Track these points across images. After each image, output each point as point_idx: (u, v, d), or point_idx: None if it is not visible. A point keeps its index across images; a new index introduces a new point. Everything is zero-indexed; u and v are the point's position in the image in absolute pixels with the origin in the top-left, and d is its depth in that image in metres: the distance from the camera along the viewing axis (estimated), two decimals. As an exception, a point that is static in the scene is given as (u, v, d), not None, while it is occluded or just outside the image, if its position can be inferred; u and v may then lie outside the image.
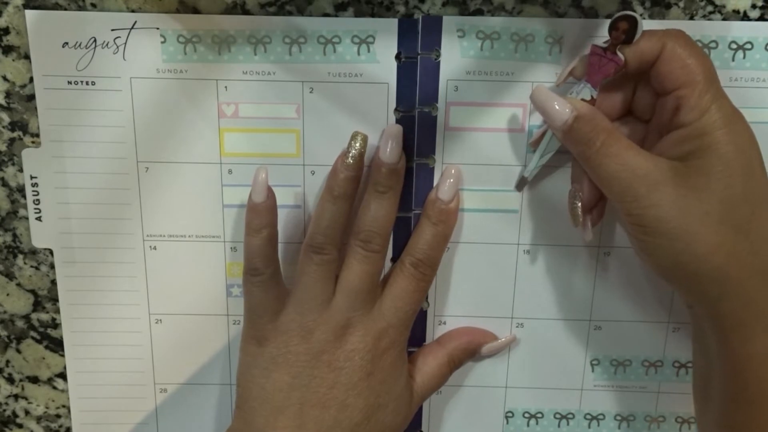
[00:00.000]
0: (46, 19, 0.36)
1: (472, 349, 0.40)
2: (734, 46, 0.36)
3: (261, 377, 0.36)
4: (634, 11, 0.36)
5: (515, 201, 0.39)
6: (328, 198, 0.36)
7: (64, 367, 0.42)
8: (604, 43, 0.33)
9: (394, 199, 0.37)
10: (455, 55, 0.37)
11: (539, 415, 0.43)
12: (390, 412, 0.37)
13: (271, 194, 0.36)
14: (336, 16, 0.36)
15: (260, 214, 0.36)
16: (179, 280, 0.40)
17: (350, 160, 0.36)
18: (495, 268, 0.40)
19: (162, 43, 0.36)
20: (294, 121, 0.38)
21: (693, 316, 0.35)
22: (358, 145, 0.36)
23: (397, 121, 0.38)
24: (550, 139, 0.36)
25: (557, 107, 0.33)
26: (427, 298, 0.40)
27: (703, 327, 0.34)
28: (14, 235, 0.40)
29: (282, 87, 0.37)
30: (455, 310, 0.41)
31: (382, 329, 0.36)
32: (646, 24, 0.36)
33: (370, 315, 0.36)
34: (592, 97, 0.34)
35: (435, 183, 0.38)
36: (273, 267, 0.36)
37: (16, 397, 0.43)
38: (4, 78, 0.38)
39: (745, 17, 0.36)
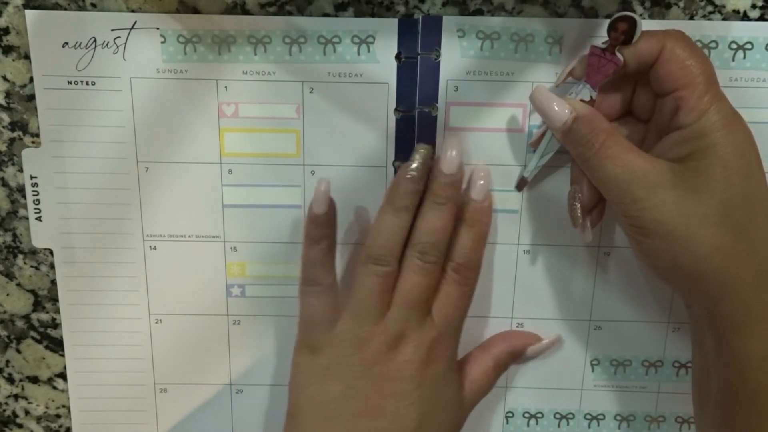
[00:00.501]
0: (46, 19, 0.36)
1: (517, 352, 0.40)
2: (734, 46, 0.36)
3: (314, 387, 0.36)
4: (634, 11, 0.36)
5: (515, 201, 0.39)
6: (389, 210, 0.35)
7: (64, 367, 0.42)
8: (603, 43, 0.33)
9: (452, 210, 0.36)
10: (455, 55, 0.37)
11: (539, 415, 0.43)
12: (441, 421, 0.37)
13: (332, 205, 0.36)
14: (336, 16, 0.36)
15: (320, 225, 0.36)
16: (179, 280, 0.40)
17: (413, 173, 0.35)
18: (495, 268, 0.40)
19: (162, 43, 0.36)
20: (294, 121, 0.38)
21: (691, 315, 0.35)
22: (421, 157, 0.35)
23: (398, 121, 0.38)
24: (550, 140, 0.36)
25: (556, 108, 0.33)
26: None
27: (702, 327, 0.34)
28: (14, 235, 0.40)
29: (282, 87, 0.37)
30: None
31: (434, 339, 0.36)
32: (646, 24, 0.36)
33: (422, 326, 0.36)
34: (591, 97, 0.34)
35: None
36: (331, 278, 0.36)
37: (16, 397, 0.44)
38: (4, 78, 0.38)
39: (745, 17, 0.36)
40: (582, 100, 0.34)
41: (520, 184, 0.38)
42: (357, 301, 0.36)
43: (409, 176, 0.35)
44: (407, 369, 0.35)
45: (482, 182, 0.37)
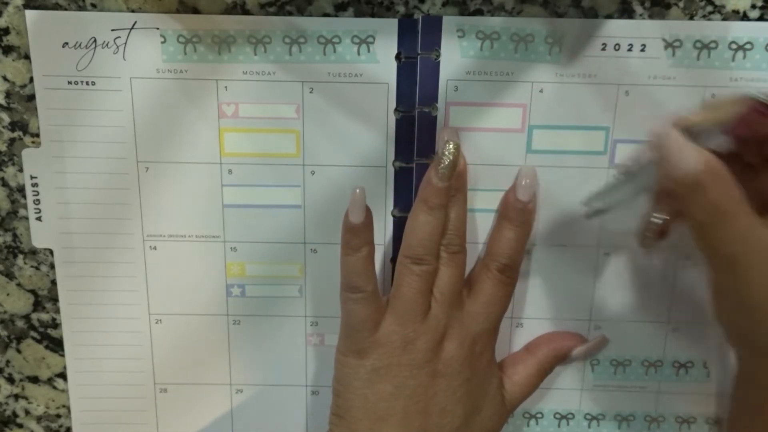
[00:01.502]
0: (46, 19, 0.36)
1: (561, 355, 0.40)
2: (734, 46, 0.36)
3: (363, 388, 0.36)
4: (633, 11, 0.36)
5: (515, 201, 0.39)
6: (423, 209, 0.36)
7: (64, 367, 0.42)
8: (766, 97, 0.29)
9: (464, 199, 0.37)
10: (455, 55, 0.37)
11: (539, 415, 0.43)
12: (485, 415, 0.37)
13: (368, 213, 0.36)
14: (336, 16, 0.36)
15: (359, 234, 0.36)
16: (179, 280, 0.40)
17: (444, 171, 0.35)
18: (495, 268, 0.40)
19: (162, 43, 0.36)
20: (294, 121, 0.38)
21: (741, 361, 0.34)
22: (450, 155, 0.35)
23: (397, 121, 0.38)
24: (648, 177, 0.32)
25: (686, 158, 0.29)
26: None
27: (749, 373, 0.34)
28: (14, 235, 0.40)
29: (282, 87, 0.37)
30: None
31: (477, 335, 0.37)
32: (646, 24, 0.36)
33: (463, 321, 0.37)
34: (724, 151, 0.30)
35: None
36: (373, 283, 0.36)
37: (16, 397, 0.44)
38: (4, 78, 0.38)
39: (745, 17, 0.36)
40: (714, 152, 0.29)
41: (594, 214, 0.36)
42: (400, 302, 0.36)
43: (439, 174, 0.35)
44: (453, 365, 0.36)
45: (528, 181, 0.37)
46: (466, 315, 0.37)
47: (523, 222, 0.37)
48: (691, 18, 0.36)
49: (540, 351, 0.40)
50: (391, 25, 0.36)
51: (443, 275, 0.36)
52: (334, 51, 0.37)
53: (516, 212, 0.37)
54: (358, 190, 0.35)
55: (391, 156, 0.38)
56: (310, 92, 0.37)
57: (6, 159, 0.39)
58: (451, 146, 0.35)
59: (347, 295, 0.36)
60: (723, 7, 0.36)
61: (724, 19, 0.36)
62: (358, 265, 0.36)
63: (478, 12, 0.36)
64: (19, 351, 0.42)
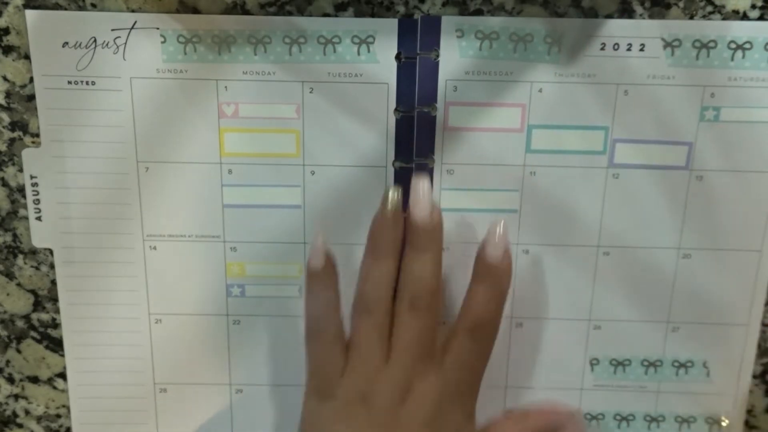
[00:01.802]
0: (46, 19, 0.36)
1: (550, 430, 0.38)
2: (733, 45, 0.36)
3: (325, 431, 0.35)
4: (634, 11, 0.36)
5: (515, 201, 0.39)
6: (370, 259, 0.35)
7: (64, 367, 0.42)
8: None
9: (436, 256, 0.35)
10: (454, 55, 0.37)
11: (539, 415, 0.43)
12: None
13: (329, 258, 0.35)
14: (336, 16, 0.37)
15: (320, 279, 0.35)
16: (179, 280, 0.40)
17: (387, 220, 0.35)
18: (495, 268, 0.40)
19: (162, 43, 0.37)
20: (294, 121, 0.38)
21: None
22: (391, 200, 0.35)
23: (398, 121, 0.38)
24: None
25: None
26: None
27: None
28: (14, 235, 0.40)
29: (282, 87, 0.37)
30: (456, 311, 0.41)
31: (443, 394, 0.35)
32: (644, 24, 0.36)
33: (431, 377, 0.35)
34: None
35: (433, 184, 0.38)
36: (335, 327, 0.35)
37: (16, 397, 0.44)
38: (4, 78, 0.38)
39: (745, 17, 0.36)
40: None
41: None
42: (355, 352, 0.35)
43: (382, 223, 0.35)
44: (417, 418, 0.34)
45: (501, 233, 0.35)
46: (434, 371, 0.35)
47: (496, 282, 0.35)
48: (691, 18, 0.36)
49: (527, 420, 0.38)
50: (391, 25, 0.36)
51: (407, 329, 0.34)
52: (334, 51, 0.37)
53: (487, 271, 0.35)
54: (319, 237, 0.35)
55: (391, 156, 0.38)
56: (310, 92, 0.37)
57: (6, 159, 0.39)
58: (391, 192, 0.34)
59: (309, 337, 0.36)
60: (723, 7, 0.36)
61: (724, 19, 0.36)
62: (320, 310, 0.35)
63: (478, 12, 0.36)
64: (19, 351, 0.42)
